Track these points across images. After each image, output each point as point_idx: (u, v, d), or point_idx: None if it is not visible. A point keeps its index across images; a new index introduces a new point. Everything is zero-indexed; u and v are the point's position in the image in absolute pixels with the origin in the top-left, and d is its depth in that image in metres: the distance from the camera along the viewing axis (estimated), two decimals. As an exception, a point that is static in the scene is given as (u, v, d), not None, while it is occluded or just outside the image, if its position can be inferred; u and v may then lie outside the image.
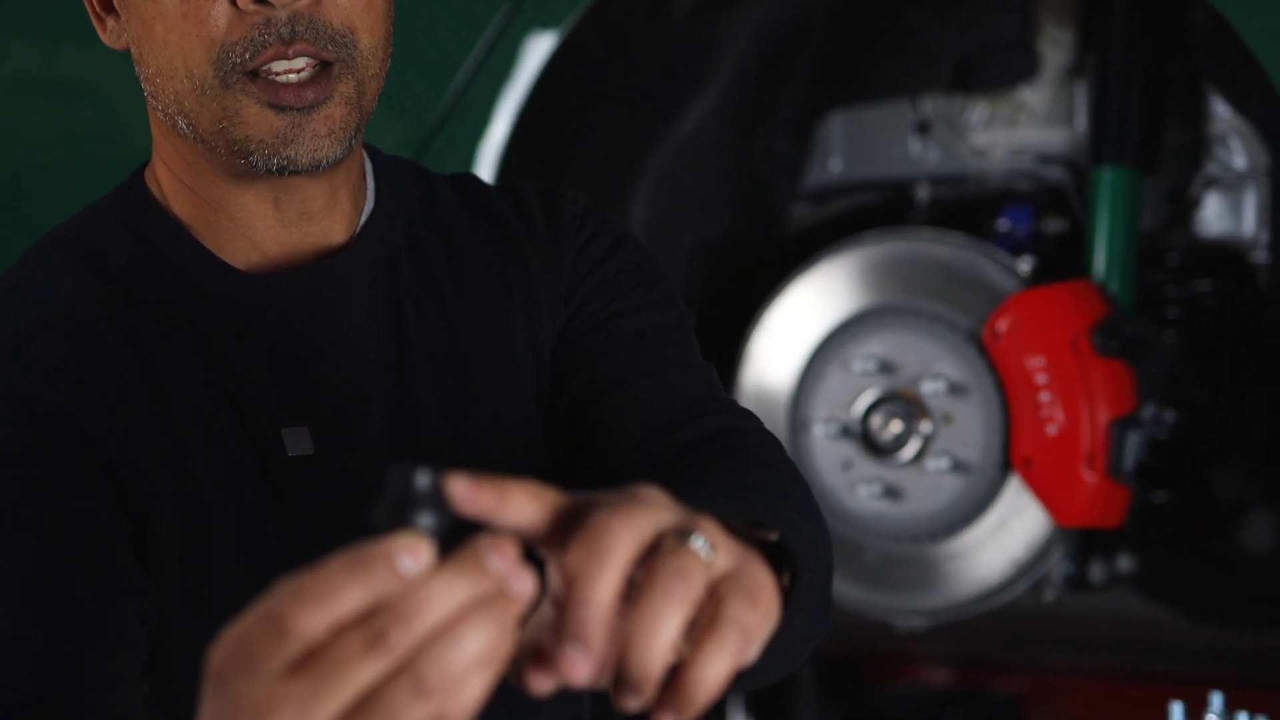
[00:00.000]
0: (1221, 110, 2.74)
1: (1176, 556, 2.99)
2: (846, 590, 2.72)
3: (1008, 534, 2.65)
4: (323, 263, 1.49)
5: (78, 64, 2.72)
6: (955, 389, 2.65)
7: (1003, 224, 2.78)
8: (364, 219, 1.53)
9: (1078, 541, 2.67)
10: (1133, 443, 2.56)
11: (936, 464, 2.66)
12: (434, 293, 1.55)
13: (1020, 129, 2.82)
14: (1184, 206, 2.76)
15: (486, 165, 2.54)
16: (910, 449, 2.68)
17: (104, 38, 1.51)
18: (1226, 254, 2.76)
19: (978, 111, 2.85)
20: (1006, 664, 3.23)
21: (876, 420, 2.70)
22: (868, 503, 2.70)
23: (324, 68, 1.41)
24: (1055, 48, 2.78)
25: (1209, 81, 2.74)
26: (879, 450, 2.69)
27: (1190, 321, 2.72)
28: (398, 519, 0.87)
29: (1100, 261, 2.65)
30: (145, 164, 1.54)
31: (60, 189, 2.68)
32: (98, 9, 1.50)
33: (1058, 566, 2.67)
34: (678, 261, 2.89)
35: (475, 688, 0.87)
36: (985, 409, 2.63)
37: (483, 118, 2.54)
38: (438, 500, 0.88)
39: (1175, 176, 2.75)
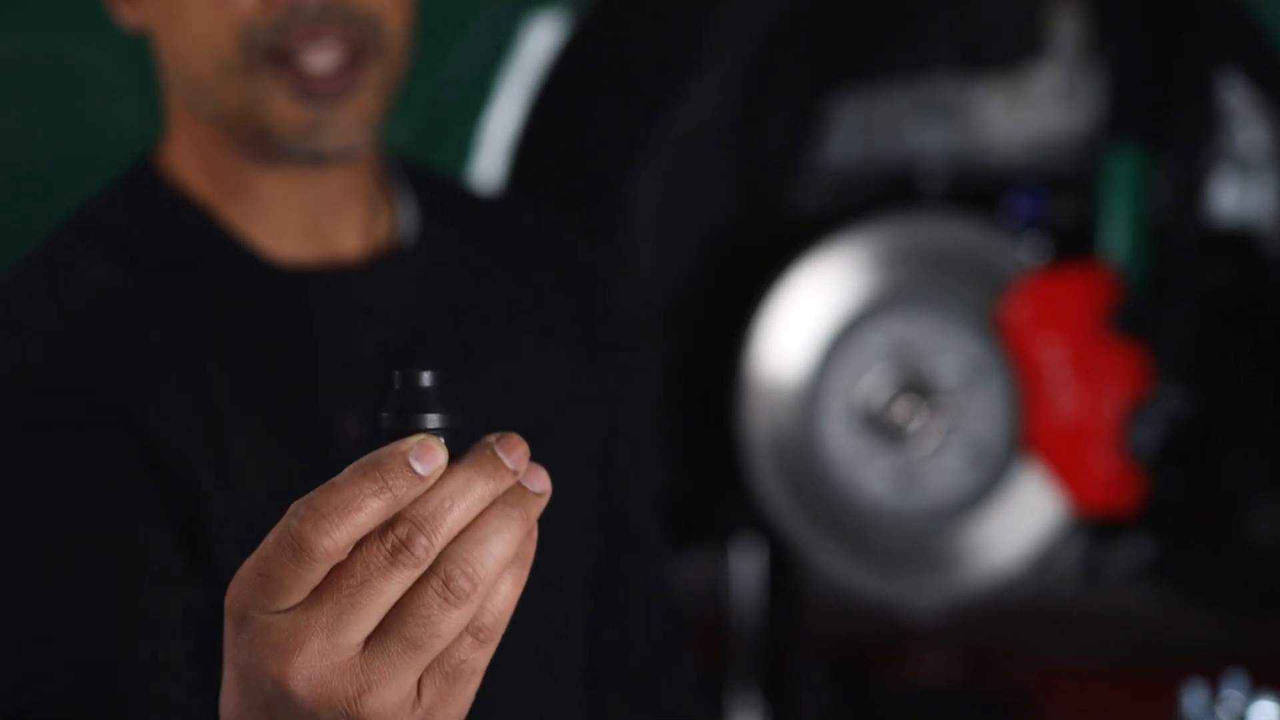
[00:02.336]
0: (1235, 89, 2.72)
1: (1190, 543, 2.97)
2: (859, 577, 2.70)
3: (1023, 519, 2.63)
4: (366, 262, 1.48)
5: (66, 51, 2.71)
6: (970, 374, 2.63)
7: (1013, 205, 2.76)
8: (409, 224, 1.53)
9: (1093, 531, 2.65)
10: (1150, 427, 2.54)
11: (950, 449, 2.64)
12: (483, 301, 1.54)
13: (1030, 108, 2.80)
14: (1196, 187, 2.74)
15: (491, 153, 2.53)
16: (923, 435, 2.66)
17: (120, 17, 1.49)
18: (1239, 236, 2.74)
19: (987, 91, 2.83)
20: (1018, 652, 3.22)
21: (889, 406, 2.68)
22: (880, 489, 2.68)
23: (351, 54, 1.41)
24: (1066, 26, 2.77)
25: (1222, 60, 2.72)
26: (892, 436, 2.67)
27: (1204, 304, 2.71)
28: (405, 421, 0.85)
29: (1113, 240, 2.63)
30: (149, 149, 1.52)
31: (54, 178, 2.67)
32: None
33: (1073, 557, 2.65)
34: (685, 247, 2.88)
35: (507, 590, 0.85)
36: (1000, 393, 2.61)
37: (485, 104, 2.52)
38: (444, 400, 0.86)
39: (1187, 157, 2.73)
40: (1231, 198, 2.73)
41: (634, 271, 2.82)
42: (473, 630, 0.84)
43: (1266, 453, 2.75)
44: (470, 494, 0.83)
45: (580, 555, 1.55)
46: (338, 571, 0.83)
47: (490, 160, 2.53)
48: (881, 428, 2.68)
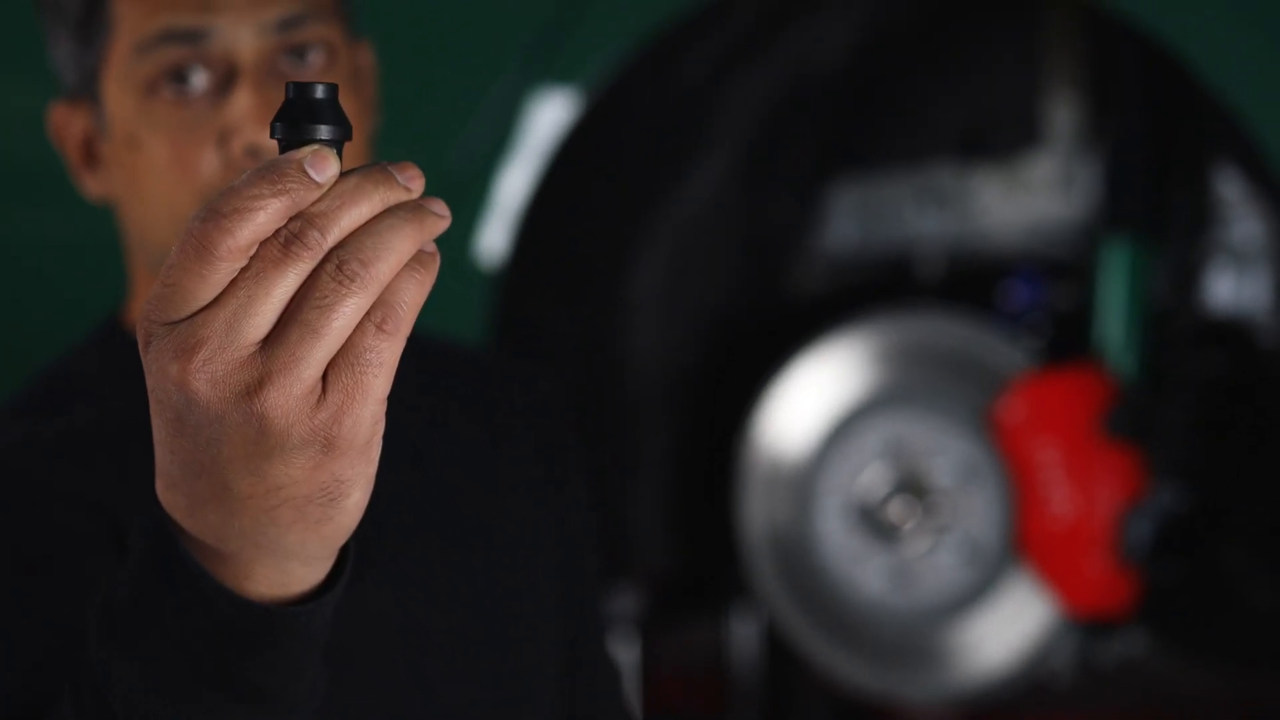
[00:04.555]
0: (1230, 181, 2.73)
1: (1187, 634, 2.98)
2: (854, 672, 2.72)
3: (1017, 618, 2.64)
4: None
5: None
6: (964, 474, 2.65)
7: (1010, 295, 2.77)
8: None
9: (1088, 626, 2.67)
10: (1144, 528, 2.55)
11: (945, 549, 2.66)
12: (448, 447, 1.55)
13: (1027, 196, 2.82)
14: (1192, 278, 2.75)
15: (498, 228, 2.54)
16: (918, 534, 2.68)
17: (85, 189, 1.52)
18: (1235, 326, 2.75)
19: (985, 179, 2.84)
20: (1015, 705, 3.23)
21: (884, 504, 2.70)
22: (875, 586, 2.70)
23: None
24: (1063, 116, 2.78)
25: (1218, 151, 2.73)
26: (887, 535, 2.69)
27: (1200, 397, 2.72)
28: (299, 131, 0.86)
29: (1109, 333, 2.64)
30: (117, 306, 1.54)
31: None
32: (79, 162, 1.51)
33: (1068, 650, 2.67)
34: (685, 329, 2.89)
35: (411, 288, 0.85)
36: (995, 494, 2.62)
37: (495, 178, 2.54)
38: (336, 113, 0.87)
39: (1183, 248, 2.74)
40: (1227, 289, 2.75)
41: (634, 352, 2.83)
42: (377, 321, 0.84)
43: (1262, 543, 2.76)
44: (361, 195, 0.85)
45: (548, 697, 1.57)
46: (235, 277, 0.84)
47: (497, 235, 2.55)
48: (877, 526, 2.70)
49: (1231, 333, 2.75)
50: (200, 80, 1.42)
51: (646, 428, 2.87)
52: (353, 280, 0.83)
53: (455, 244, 2.57)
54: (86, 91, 1.48)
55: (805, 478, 2.74)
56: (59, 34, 1.48)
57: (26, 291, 2.74)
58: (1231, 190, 2.73)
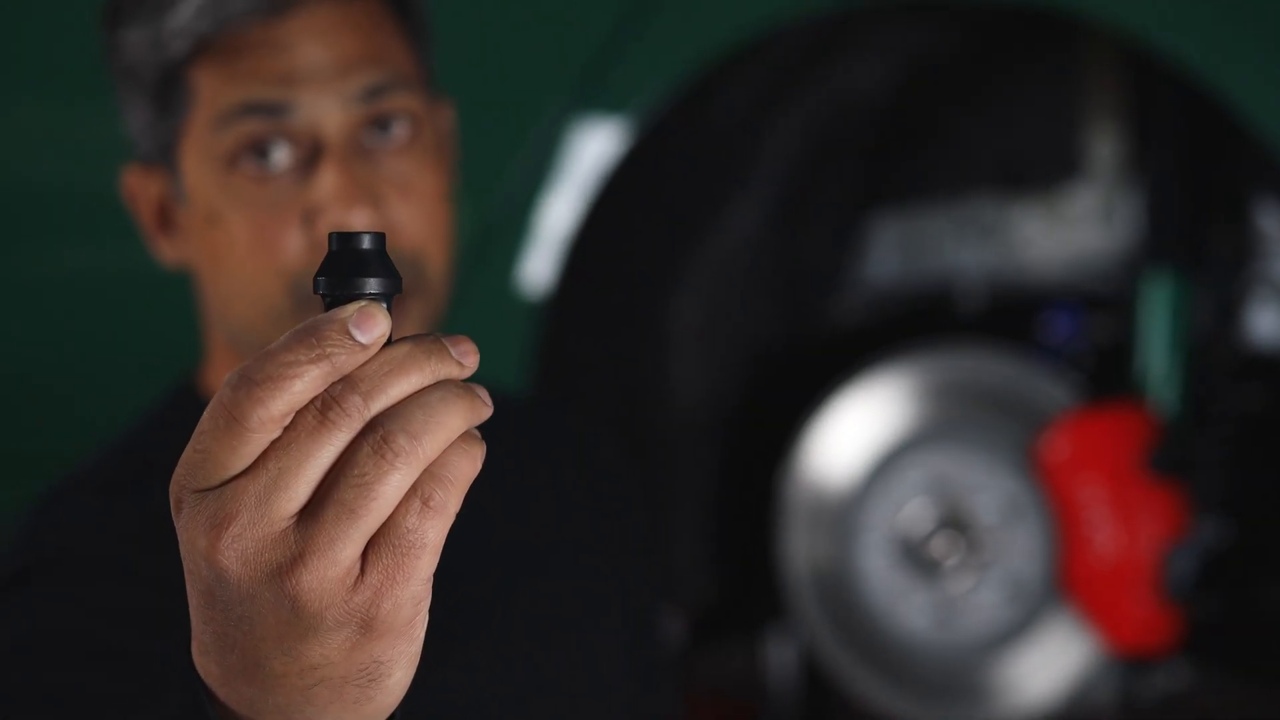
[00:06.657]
0: (1271, 215, 2.73)
1: (1230, 672, 2.98)
2: (896, 706, 2.73)
3: (1060, 654, 2.65)
4: None
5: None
6: (1008, 511, 2.65)
7: (1050, 327, 2.78)
8: None
9: (1130, 661, 2.68)
10: (1186, 565, 2.56)
11: (987, 586, 2.67)
12: (509, 500, 1.55)
13: (1068, 229, 2.82)
14: (1233, 312, 2.75)
15: (543, 256, 2.55)
16: (961, 570, 2.69)
17: (160, 254, 1.48)
18: (1276, 360, 2.75)
19: (1025, 212, 2.84)
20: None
21: (928, 541, 2.70)
22: (918, 622, 2.70)
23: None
24: (1103, 148, 2.78)
25: (1259, 185, 2.73)
26: (930, 571, 2.70)
27: (1241, 432, 2.72)
28: (344, 285, 0.79)
29: (1150, 367, 2.65)
30: (188, 372, 1.51)
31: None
32: (154, 227, 1.48)
33: (1110, 685, 2.67)
34: (726, 363, 2.89)
35: (461, 462, 0.78)
36: (1038, 532, 2.63)
37: (540, 207, 2.55)
38: (384, 264, 0.80)
39: (1224, 282, 2.74)
40: (1268, 322, 2.75)
41: (675, 383, 2.84)
42: (423, 497, 0.77)
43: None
44: (411, 364, 0.78)
45: None
46: (271, 444, 0.77)
47: (541, 266, 2.56)
48: (919, 562, 2.70)
49: (1272, 366, 2.75)
50: (282, 156, 1.38)
51: (687, 459, 2.87)
52: (397, 456, 0.77)
53: (499, 274, 2.57)
54: (163, 158, 1.44)
55: (848, 513, 2.75)
56: (133, 101, 1.44)
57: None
58: (1272, 224, 2.73)
